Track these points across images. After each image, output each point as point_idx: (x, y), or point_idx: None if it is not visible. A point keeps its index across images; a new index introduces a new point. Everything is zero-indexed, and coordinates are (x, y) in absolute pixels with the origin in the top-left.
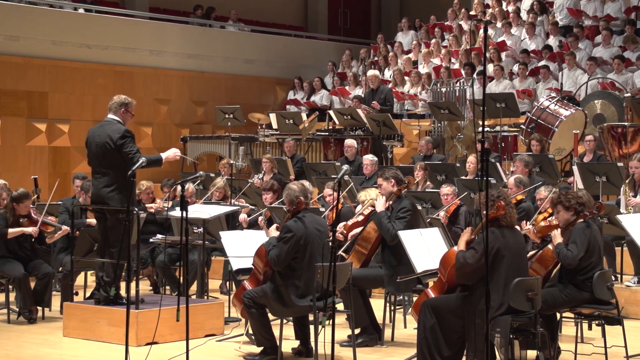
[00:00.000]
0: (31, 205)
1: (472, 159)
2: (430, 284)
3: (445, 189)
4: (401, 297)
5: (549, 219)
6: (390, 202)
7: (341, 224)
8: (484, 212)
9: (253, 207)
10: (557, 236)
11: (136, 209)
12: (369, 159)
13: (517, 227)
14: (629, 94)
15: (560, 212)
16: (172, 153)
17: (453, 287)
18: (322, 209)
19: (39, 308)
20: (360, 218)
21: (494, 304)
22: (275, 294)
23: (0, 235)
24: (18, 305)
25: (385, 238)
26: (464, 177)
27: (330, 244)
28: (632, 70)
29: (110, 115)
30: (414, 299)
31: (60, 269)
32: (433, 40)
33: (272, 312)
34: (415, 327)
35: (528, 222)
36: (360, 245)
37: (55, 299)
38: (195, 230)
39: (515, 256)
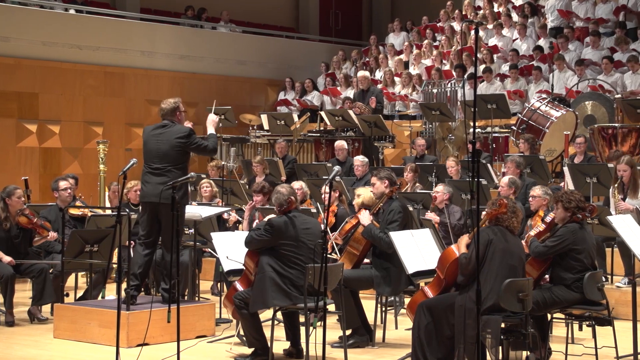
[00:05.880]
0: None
1: (451, 162)
2: (422, 284)
3: (438, 188)
4: (392, 298)
5: (537, 227)
6: (381, 204)
7: (335, 233)
8: (483, 211)
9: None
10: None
11: (127, 209)
12: (359, 160)
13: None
14: (619, 95)
15: (559, 209)
16: (211, 121)
17: (450, 286)
18: (314, 210)
19: (16, 310)
20: (354, 221)
21: (483, 291)
22: (258, 287)
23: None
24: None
25: (381, 248)
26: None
27: (322, 245)
28: (622, 72)
29: (166, 120)
30: (406, 300)
31: (51, 270)
32: (425, 42)
33: (250, 306)
34: (407, 328)
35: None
36: (351, 246)
37: None
38: (186, 232)
39: (510, 257)
